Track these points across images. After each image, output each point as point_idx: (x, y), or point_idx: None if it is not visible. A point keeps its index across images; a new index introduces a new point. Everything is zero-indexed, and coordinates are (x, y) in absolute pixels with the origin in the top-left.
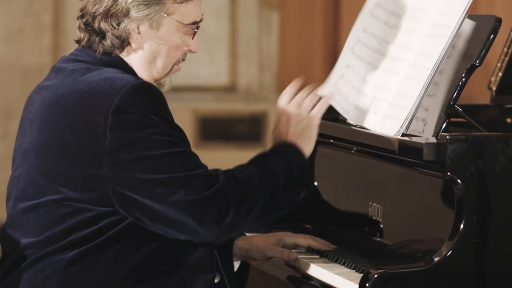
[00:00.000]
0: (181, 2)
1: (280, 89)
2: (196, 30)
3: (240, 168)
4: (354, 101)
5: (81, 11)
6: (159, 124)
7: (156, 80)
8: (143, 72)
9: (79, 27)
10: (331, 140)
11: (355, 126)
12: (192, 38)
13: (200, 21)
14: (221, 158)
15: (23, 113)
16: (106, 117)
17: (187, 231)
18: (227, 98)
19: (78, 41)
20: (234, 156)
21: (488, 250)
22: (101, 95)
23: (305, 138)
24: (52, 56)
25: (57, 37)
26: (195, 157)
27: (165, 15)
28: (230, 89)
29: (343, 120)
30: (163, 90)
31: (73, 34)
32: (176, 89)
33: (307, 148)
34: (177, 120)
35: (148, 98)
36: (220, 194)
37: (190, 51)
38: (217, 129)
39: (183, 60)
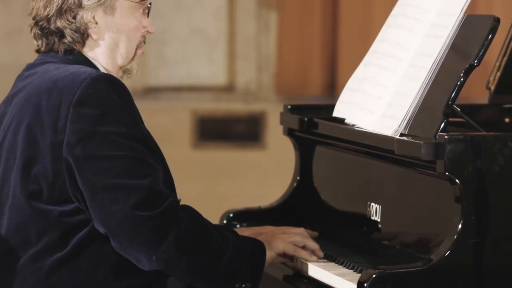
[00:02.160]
0: None
1: (279, 89)
2: (148, 6)
3: (205, 219)
4: (348, 98)
5: (33, 19)
6: (116, 122)
7: (123, 67)
8: (109, 61)
9: (35, 35)
10: (330, 140)
11: (353, 125)
12: (147, 17)
13: None
14: (219, 157)
15: None
16: (67, 111)
17: (119, 242)
18: (225, 98)
19: (37, 50)
20: (233, 156)
21: (486, 250)
22: (64, 90)
23: (275, 240)
24: None
25: None
26: (148, 164)
27: None
28: (229, 89)
29: (340, 120)
30: (132, 76)
31: None
32: (175, 89)
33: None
34: (176, 120)
35: (109, 89)
36: (162, 216)
37: (148, 32)
38: (216, 129)
39: (144, 42)
